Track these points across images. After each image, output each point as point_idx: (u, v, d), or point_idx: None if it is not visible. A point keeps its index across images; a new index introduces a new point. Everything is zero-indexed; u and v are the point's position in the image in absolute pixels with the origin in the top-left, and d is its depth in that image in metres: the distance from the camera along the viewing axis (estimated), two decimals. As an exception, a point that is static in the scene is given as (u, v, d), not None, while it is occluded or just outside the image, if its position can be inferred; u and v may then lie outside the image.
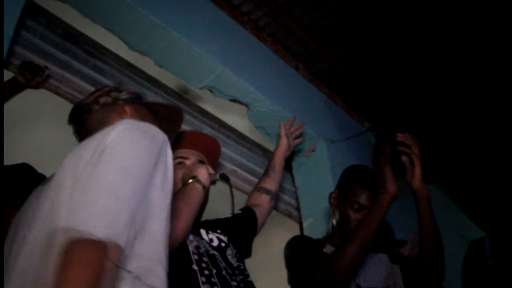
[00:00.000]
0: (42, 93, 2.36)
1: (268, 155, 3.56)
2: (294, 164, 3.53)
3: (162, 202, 1.06)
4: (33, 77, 2.07)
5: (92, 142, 1.07)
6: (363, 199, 2.16)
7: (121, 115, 1.37)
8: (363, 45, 3.41)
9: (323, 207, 2.90)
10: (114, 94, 1.43)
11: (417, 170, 2.08)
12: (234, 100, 3.01)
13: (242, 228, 1.98)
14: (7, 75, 2.08)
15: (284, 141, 2.47)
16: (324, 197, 2.54)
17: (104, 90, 1.45)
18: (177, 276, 1.36)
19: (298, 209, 3.35)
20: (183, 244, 1.59)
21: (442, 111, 3.82)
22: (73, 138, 1.46)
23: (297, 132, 2.61)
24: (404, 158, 2.13)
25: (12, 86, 2.07)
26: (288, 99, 3.22)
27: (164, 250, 1.02)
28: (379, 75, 3.63)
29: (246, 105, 3.05)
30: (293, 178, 3.50)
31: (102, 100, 1.42)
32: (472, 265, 3.81)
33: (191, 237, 1.68)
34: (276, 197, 2.33)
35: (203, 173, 1.68)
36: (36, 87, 2.14)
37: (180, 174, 1.76)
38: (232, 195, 1.80)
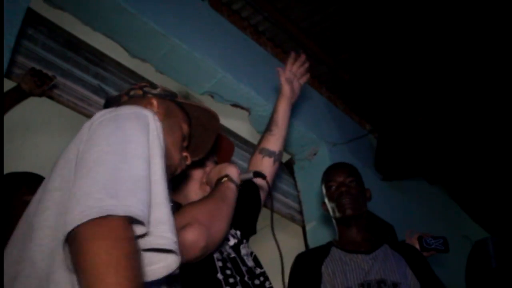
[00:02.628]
0: (43, 101, 2.36)
1: (270, 159, 3.56)
2: (296, 168, 3.53)
3: (160, 168, 1.02)
4: (41, 84, 2.09)
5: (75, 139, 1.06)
6: (331, 177, 2.25)
7: (146, 107, 1.27)
8: (363, 48, 3.41)
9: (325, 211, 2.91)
10: (147, 88, 1.43)
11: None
12: (235, 105, 3.01)
13: (246, 209, 1.85)
14: (9, 84, 2.09)
15: (285, 88, 2.11)
16: (326, 200, 2.54)
17: (138, 85, 1.46)
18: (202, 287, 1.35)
19: (301, 212, 3.35)
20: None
21: (443, 112, 3.82)
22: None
23: (302, 69, 2.19)
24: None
25: (15, 95, 2.08)
26: (289, 103, 3.22)
27: (169, 211, 0.98)
28: (379, 77, 3.63)
29: (247, 110, 3.05)
30: (295, 182, 3.51)
31: (133, 92, 1.42)
32: (476, 265, 3.81)
33: None
34: (280, 157, 2.06)
35: (234, 171, 1.64)
36: (41, 94, 2.15)
37: (204, 174, 1.73)
38: (270, 193, 1.79)
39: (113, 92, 2.55)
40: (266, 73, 3.17)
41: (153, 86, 1.46)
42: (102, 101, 2.47)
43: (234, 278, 1.54)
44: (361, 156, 3.64)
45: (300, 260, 2.18)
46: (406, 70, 3.52)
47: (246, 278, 1.57)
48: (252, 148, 3.42)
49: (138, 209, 0.88)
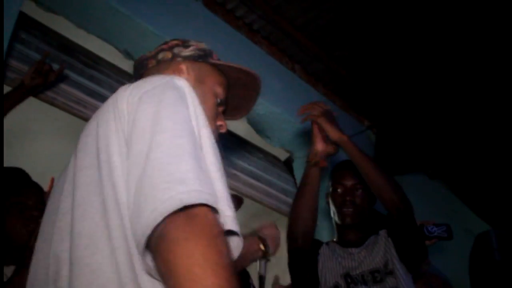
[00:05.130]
0: (40, 106, 2.36)
1: (268, 158, 3.55)
2: (295, 165, 3.52)
3: (208, 139, 0.92)
4: (41, 72, 2.11)
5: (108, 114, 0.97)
6: (339, 179, 2.25)
7: (174, 74, 1.21)
8: (359, 44, 3.40)
9: (326, 207, 2.89)
10: (177, 49, 1.31)
11: (326, 127, 2.12)
12: (232, 104, 3.00)
13: None
14: (3, 88, 2.09)
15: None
16: (326, 197, 2.54)
17: (168, 44, 1.34)
18: None
19: (301, 210, 3.34)
20: None
21: (443, 106, 3.81)
22: (71, 149, 1.44)
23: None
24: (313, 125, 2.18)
25: (15, 94, 2.07)
26: (287, 100, 3.22)
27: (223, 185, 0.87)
28: (376, 73, 3.63)
29: (245, 109, 3.04)
30: (294, 179, 3.50)
31: (161, 55, 1.30)
32: (479, 258, 3.80)
33: None
34: None
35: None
36: (45, 83, 2.15)
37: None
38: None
39: (109, 95, 2.54)
40: (262, 72, 3.14)
41: (186, 44, 1.34)
42: (97, 104, 2.46)
43: None
44: (360, 152, 3.63)
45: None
46: (403, 64, 3.51)
47: None
48: (251, 147, 3.42)
49: (208, 193, 0.78)
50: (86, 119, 2.40)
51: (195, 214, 0.75)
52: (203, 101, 1.08)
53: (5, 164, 1.91)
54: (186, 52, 1.31)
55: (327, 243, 2.24)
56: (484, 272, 3.73)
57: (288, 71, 3.47)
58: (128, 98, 0.96)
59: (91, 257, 0.83)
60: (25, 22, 2.31)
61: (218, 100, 1.29)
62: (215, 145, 0.92)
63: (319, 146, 2.19)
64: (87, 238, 0.85)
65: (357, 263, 2.08)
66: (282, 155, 3.67)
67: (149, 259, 0.77)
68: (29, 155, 3.62)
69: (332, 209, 2.25)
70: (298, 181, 3.44)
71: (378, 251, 2.08)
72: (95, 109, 2.44)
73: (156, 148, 0.82)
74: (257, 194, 3.20)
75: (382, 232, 2.15)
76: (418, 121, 3.82)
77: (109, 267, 0.81)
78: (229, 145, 3.22)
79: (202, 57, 1.32)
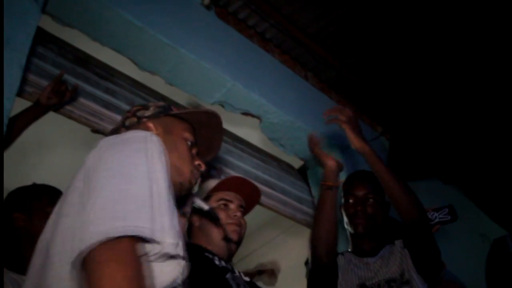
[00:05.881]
0: (56, 118, 2.38)
1: (282, 166, 3.56)
2: (310, 173, 3.52)
3: (161, 182, 1.08)
4: (59, 92, 2.14)
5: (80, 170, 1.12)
6: (351, 190, 2.27)
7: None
8: (371, 51, 3.41)
9: (341, 217, 2.89)
10: (140, 112, 1.45)
11: (350, 134, 2.15)
12: (246, 113, 3.01)
13: None
14: (21, 103, 2.12)
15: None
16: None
17: (131, 111, 1.48)
18: None
19: (316, 218, 3.33)
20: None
21: (456, 111, 3.79)
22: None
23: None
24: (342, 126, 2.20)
25: (30, 113, 2.10)
26: (300, 108, 3.23)
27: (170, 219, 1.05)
28: (388, 79, 3.62)
29: (258, 118, 3.05)
30: (309, 187, 3.50)
31: (128, 122, 1.44)
32: (496, 263, 3.77)
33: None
34: None
35: None
36: (61, 102, 2.19)
37: (228, 217, 1.93)
38: None
39: (125, 107, 2.57)
40: (275, 80, 3.17)
41: (145, 107, 1.49)
42: (113, 115, 2.49)
43: None
44: (374, 159, 3.61)
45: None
46: (415, 70, 3.50)
47: None
48: (264, 156, 3.43)
49: (144, 227, 0.94)
50: (101, 131, 2.43)
51: (121, 245, 0.92)
52: (175, 149, 1.33)
53: (22, 177, 1.94)
54: (148, 112, 1.46)
55: (342, 253, 2.25)
56: (501, 277, 3.70)
57: (301, 79, 3.48)
58: (93, 152, 1.13)
59: None
60: (42, 36, 2.34)
61: (189, 143, 1.42)
62: (168, 187, 1.08)
63: (331, 165, 2.24)
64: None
65: (373, 273, 2.08)
66: (296, 163, 3.67)
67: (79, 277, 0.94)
68: (45, 167, 3.66)
69: (345, 219, 2.27)
70: (312, 189, 3.45)
71: (395, 261, 2.08)
72: (110, 120, 2.47)
73: (105, 189, 0.99)
74: (272, 202, 3.20)
75: (398, 243, 2.14)
76: (432, 126, 3.80)
77: None
78: (242, 154, 3.23)
79: (162, 112, 1.47)
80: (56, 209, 1.14)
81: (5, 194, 2.02)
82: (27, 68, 2.07)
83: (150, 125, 1.39)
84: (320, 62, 3.50)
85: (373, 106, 3.90)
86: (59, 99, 2.17)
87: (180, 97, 2.96)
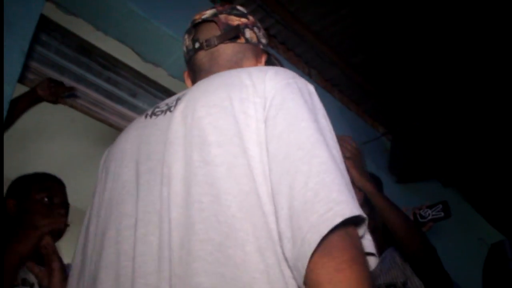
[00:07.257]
0: (56, 107, 2.38)
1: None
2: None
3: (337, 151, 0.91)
4: (56, 92, 2.13)
5: (242, 91, 0.91)
6: None
7: (257, 63, 1.16)
8: (375, 50, 3.39)
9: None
10: (257, 30, 1.18)
11: (352, 171, 2.04)
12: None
13: None
14: (23, 89, 2.11)
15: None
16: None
17: (248, 19, 1.18)
18: None
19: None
20: None
21: (458, 114, 3.79)
22: (87, 151, 1.45)
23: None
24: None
25: (28, 99, 2.09)
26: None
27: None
28: (392, 80, 3.61)
29: (261, 114, 3.03)
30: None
31: (248, 34, 1.15)
32: (493, 268, 3.76)
33: None
34: None
35: None
36: (55, 101, 2.18)
37: None
38: None
39: (127, 98, 2.56)
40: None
41: (258, 26, 1.20)
42: (115, 106, 2.48)
43: None
44: (375, 159, 3.61)
45: None
46: (419, 72, 3.49)
47: None
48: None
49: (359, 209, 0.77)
50: (103, 120, 2.42)
51: (355, 234, 0.78)
52: None
53: (21, 165, 1.93)
54: (264, 39, 1.20)
55: None
56: (498, 282, 3.69)
57: (305, 76, 3.46)
58: (268, 82, 0.92)
59: (236, 248, 0.76)
60: (45, 24, 2.33)
61: None
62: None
63: None
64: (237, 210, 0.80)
65: (373, 277, 2.07)
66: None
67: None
68: (45, 157, 3.64)
69: None
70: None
71: (396, 268, 2.06)
72: (112, 110, 2.46)
73: (317, 154, 0.81)
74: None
75: (397, 255, 2.11)
76: (433, 128, 3.79)
77: (259, 265, 0.76)
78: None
79: (266, 46, 1.21)
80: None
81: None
82: (29, 55, 2.06)
83: (263, 59, 1.17)
84: (324, 60, 3.48)
85: (376, 106, 3.89)
86: (55, 98, 2.18)
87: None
